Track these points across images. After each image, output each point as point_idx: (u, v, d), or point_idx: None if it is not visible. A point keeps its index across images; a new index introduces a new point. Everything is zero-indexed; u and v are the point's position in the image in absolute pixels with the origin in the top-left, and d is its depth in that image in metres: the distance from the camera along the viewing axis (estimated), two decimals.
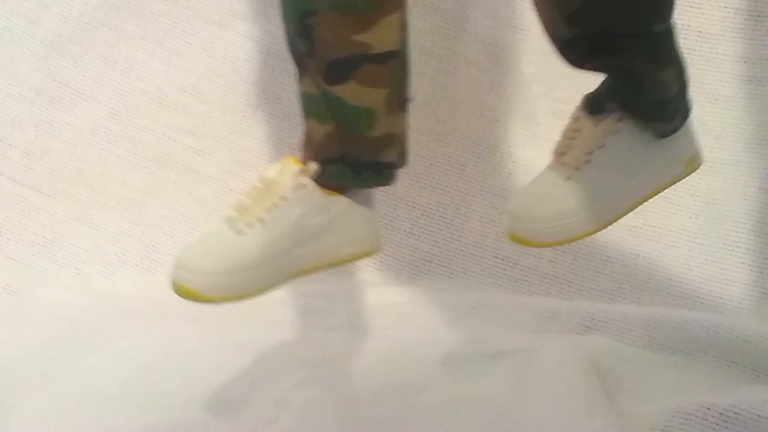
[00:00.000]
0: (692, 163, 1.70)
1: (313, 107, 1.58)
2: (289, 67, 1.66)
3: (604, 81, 1.61)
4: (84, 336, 2.05)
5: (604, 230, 1.65)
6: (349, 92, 1.55)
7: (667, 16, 1.58)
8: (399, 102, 1.60)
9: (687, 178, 2.26)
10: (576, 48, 1.58)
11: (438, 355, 2.01)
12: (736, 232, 2.21)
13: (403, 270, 2.33)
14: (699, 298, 2.18)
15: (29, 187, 2.40)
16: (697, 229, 2.24)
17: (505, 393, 1.86)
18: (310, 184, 1.59)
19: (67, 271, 2.33)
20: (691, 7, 2.26)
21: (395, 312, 2.18)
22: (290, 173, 1.59)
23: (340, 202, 1.61)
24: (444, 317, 2.13)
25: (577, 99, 1.64)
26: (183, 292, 1.54)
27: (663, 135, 1.63)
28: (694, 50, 2.26)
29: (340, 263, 1.65)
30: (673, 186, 2.24)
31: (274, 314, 2.14)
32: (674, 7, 1.59)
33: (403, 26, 1.57)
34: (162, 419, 1.83)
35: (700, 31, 2.26)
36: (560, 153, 1.62)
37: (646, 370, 1.93)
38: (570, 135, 1.62)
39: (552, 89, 2.32)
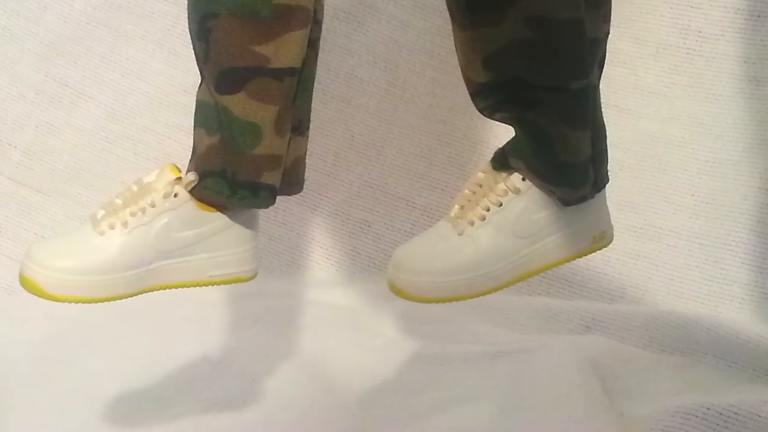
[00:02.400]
0: (599, 240, 1.56)
1: (203, 117, 1.49)
2: None
3: (513, 136, 1.50)
4: (84, 336, 2.05)
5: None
6: (238, 104, 1.45)
7: (588, 72, 1.46)
8: (292, 123, 1.50)
9: (687, 178, 2.27)
10: (489, 95, 1.48)
11: (438, 355, 2.01)
12: (736, 232, 2.21)
13: None
14: (699, 298, 2.18)
15: (29, 187, 2.40)
16: (697, 229, 2.24)
17: (505, 393, 1.86)
18: (184, 195, 1.50)
19: None
20: (691, 7, 2.26)
21: (394, 312, 2.18)
22: (165, 180, 1.50)
23: (215, 220, 1.51)
24: (444, 317, 2.13)
25: None
26: (28, 284, 1.47)
27: (567, 203, 1.50)
28: (694, 50, 2.26)
29: (206, 285, 1.54)
30: (673, 186, 2.23)
31: (274, 314, 2.14)
32: (596, 65, 1.49)
33: (308, 45, 1.47)
34: (162, 419, 1.83)
35: (700, 31, 2.26)
36: (460, 206, 1.51)
37: (646, 370, 1.93)
38: (472, 188, 1.51)
39: None
